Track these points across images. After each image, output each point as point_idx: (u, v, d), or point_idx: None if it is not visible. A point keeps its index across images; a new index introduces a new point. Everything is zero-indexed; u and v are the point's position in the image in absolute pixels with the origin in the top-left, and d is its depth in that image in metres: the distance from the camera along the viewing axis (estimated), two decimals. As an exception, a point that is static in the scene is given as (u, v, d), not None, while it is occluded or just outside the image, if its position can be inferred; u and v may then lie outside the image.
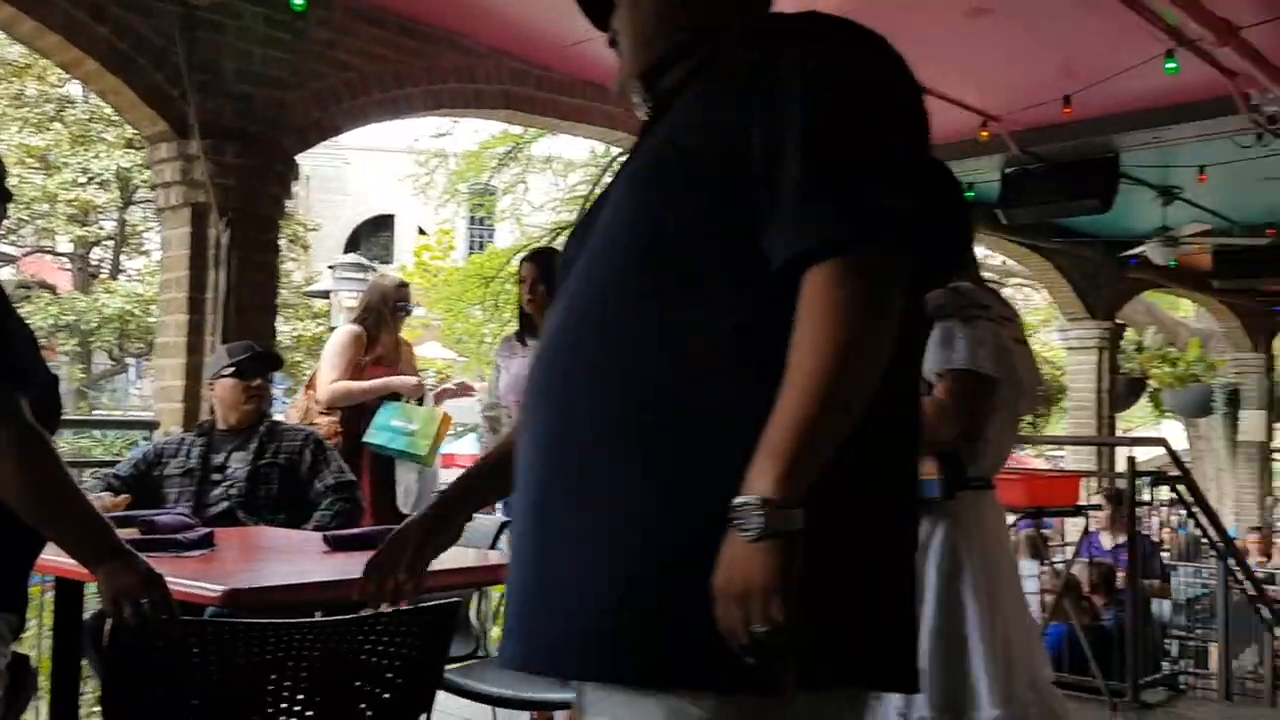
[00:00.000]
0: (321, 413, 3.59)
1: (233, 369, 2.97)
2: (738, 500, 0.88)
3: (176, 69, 3.83)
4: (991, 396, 1.79)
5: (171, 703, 1.50)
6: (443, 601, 1.66)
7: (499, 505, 2.82)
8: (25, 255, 14.65)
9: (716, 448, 0.93)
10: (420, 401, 3.69)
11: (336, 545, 2.21)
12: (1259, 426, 11.60)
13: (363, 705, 1.58)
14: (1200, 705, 5.15)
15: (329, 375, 3.59)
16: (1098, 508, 6.11)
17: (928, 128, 1.02)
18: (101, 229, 14.12)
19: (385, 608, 1.30)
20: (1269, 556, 9.69)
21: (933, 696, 1.76)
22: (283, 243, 7.02)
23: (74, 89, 11.88)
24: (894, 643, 1.02)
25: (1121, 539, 6.05)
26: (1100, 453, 8.02)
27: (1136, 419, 12.74)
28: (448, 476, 3.68)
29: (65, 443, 8.44)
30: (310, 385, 3.74)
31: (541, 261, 3.35)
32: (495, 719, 2.83)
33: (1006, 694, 1.75)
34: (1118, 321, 9.02)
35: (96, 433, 10.32)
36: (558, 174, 12.39)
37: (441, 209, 14.32)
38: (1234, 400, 11.39)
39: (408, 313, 3.87)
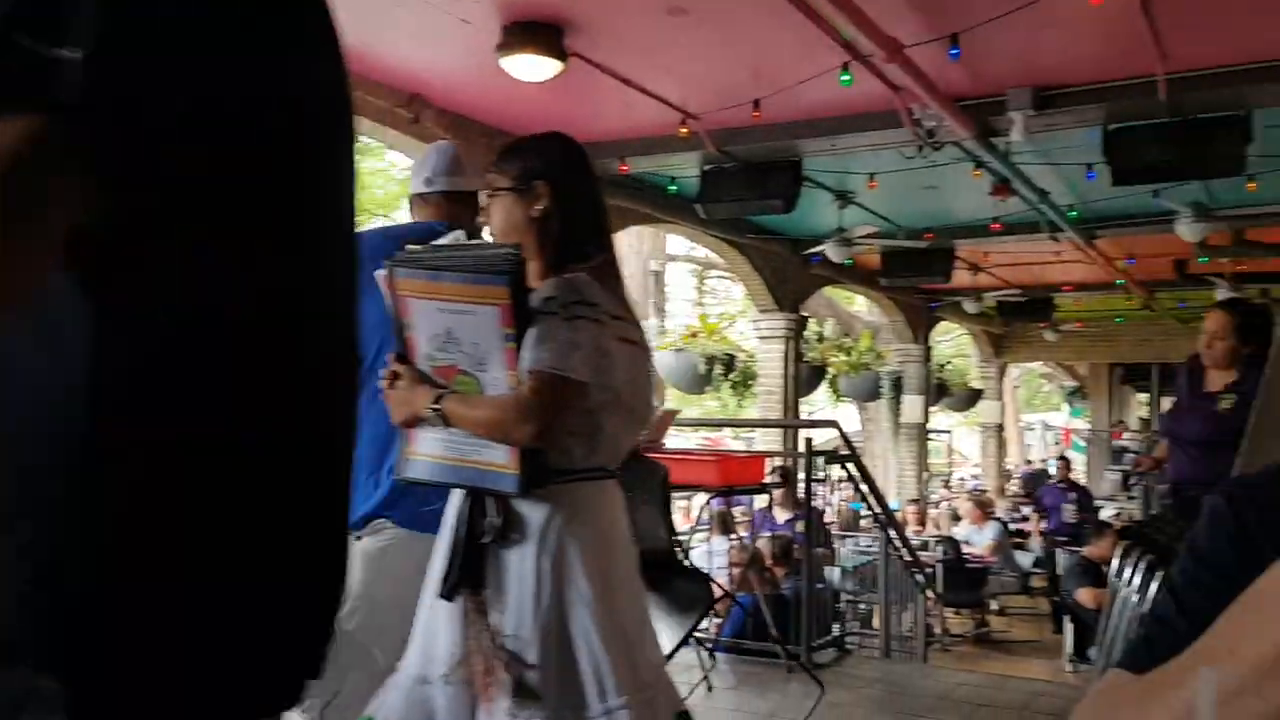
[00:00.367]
0: None
1: None
2: None
3: None
4: (580, 400, 1.77)
5: None
6: None
7: None
8: None
9: None
10: None
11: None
12: (918, 410, 13.00)
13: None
14: (864, 663, 5.68)
15: None
16: (779, 485, 6.55)
17: None
18: None
19: None
20: (924, 525, 10.88)
21: (549, 696, 1.73)
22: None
23: None
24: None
25: (793, 514, 6.55)
26: (786, 434, 8.65)
27: (818, 403, 13.88)
28: None
29: None
30: None
31: None
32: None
33: (632, 683, 1.75)
34: (802, 313, 9.75)
35: None
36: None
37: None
38: (898, 386, 12.68)
39: None
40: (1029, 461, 18.64)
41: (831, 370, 11.18)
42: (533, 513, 1.80)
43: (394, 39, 4.75)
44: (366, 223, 8.39)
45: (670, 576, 3.22)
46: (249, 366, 0.81)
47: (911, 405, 12.89)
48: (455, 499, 1.88)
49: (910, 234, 8.39)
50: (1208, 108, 4.99)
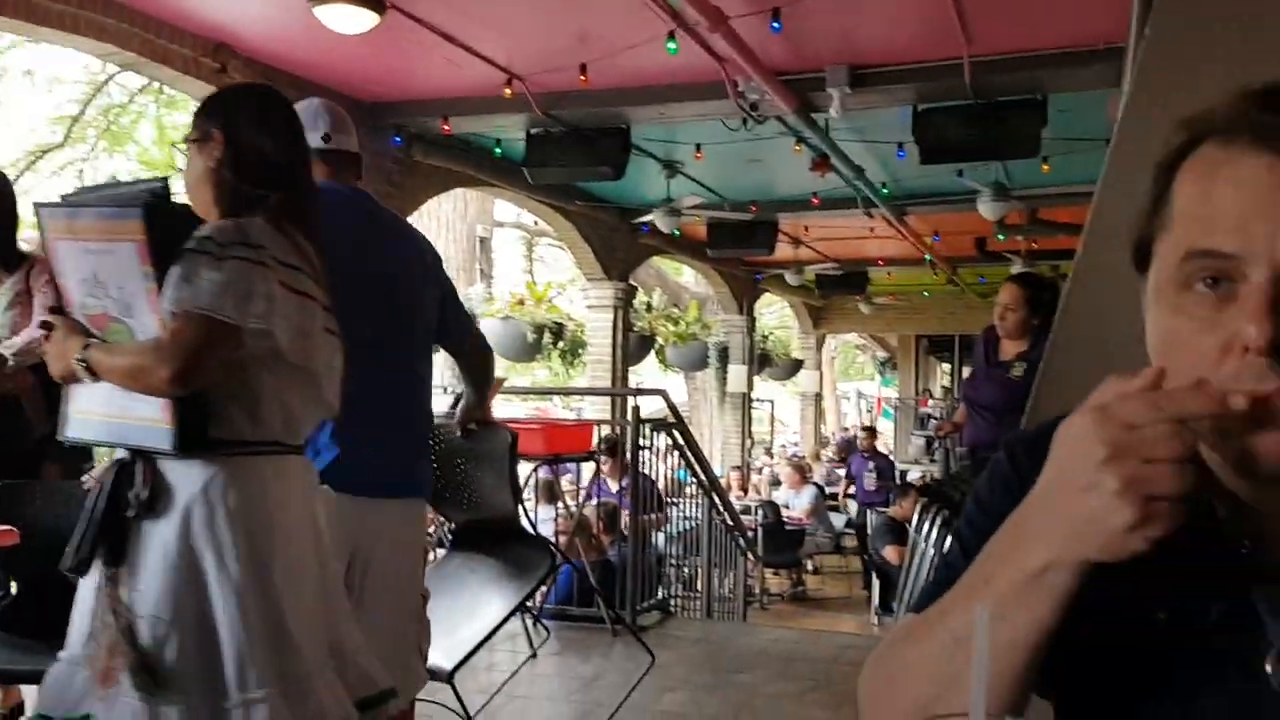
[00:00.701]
0: None
1: None
2: None
3: None
4: (230, 345, 1.65)
5: None
6: None
7: None
8: None
9: None
10: None
11: None
12: (742, 379, 13.37)
13: None
14: (687, 624, 5.82)
15: None
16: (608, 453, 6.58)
17: None
18: None
19: None
20: (746, 491, 11.24)
21: (184, 682, 1.64)
22: None
23: None
24: None
25: (624, 482, 6.61)
26: (614, 402, 8.71)
27: (648, 372, 14.05)
28: None
29: None
30: None
31: None
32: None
33: (279, 673, 1.66)
34: (631, 283, 9.82)
35: None
36: (44, 90, 10.66)
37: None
38: (724, 356, 12.98)
39: None
40: (845, 429, 19.55)
41: (660, 340, 11.33)
42: (184, 485, 1.68)
43: (197, -20, 4.43)
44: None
45: (512, 542, 3.19)
46: None
47: (736, 375, 13.24)
48: (107, 465, 1.76)
49: (736, 206, 8.56)
50: (1007, 91, 5.30)
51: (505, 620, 2.99)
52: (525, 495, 6.08)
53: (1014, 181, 7.27)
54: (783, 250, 10.33)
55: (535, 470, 5.34)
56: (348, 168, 2.39)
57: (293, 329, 1.73)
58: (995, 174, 7.09)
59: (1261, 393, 0.62)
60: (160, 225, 1.64)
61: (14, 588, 2.56)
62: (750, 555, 7.75)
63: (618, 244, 9.27)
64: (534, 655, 4.39)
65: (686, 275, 14.70)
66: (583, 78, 5.11)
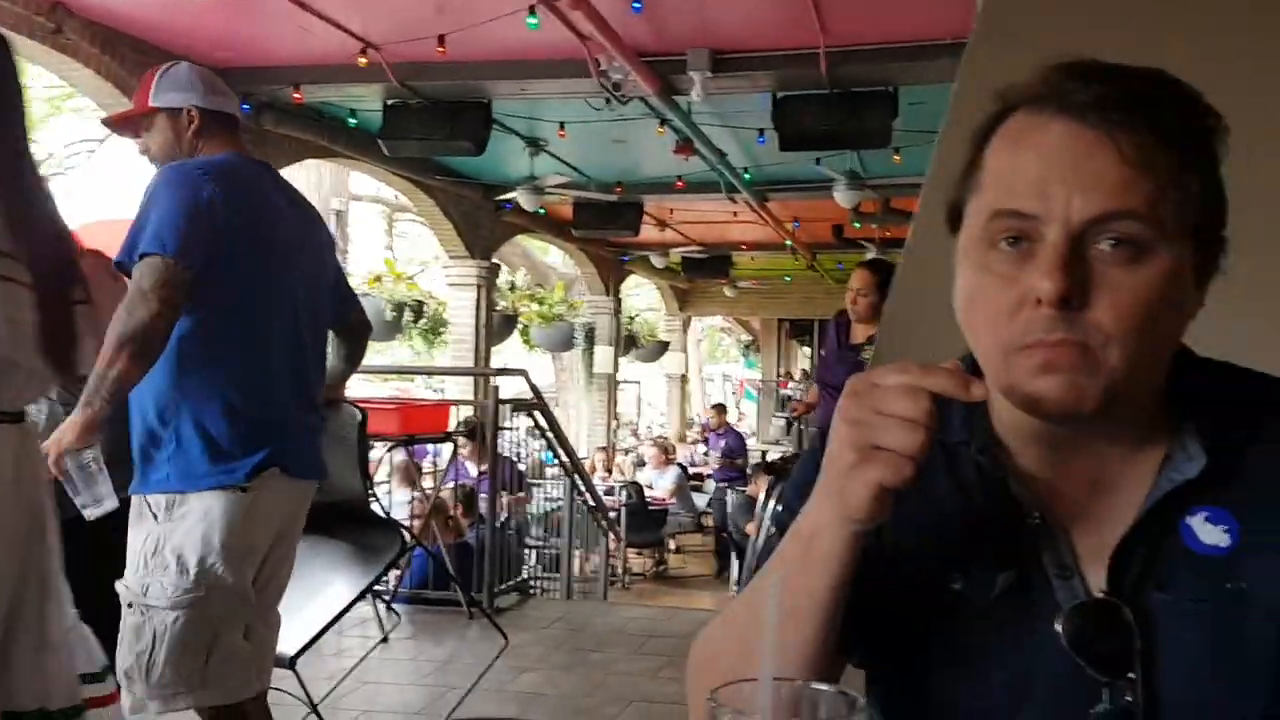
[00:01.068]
0: None
1: None
2: None
3: None
4: None
5: None
6: None
7: None
8: None
9: None
10: None
11: None
12: (609, 360, 13.42)
13: None
14: (546, 605, 5.81)
15: None
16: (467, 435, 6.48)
17: None
18: None
19: None
20: (611, 471, 11.30)
21: None
22: None
23: None
24: None
25: (485, 465, 6.53)
26: (477, 383, 8.59)
27: (515, 352, 13.93)
28: None
29: None
30: None
31: None
32: None
33: None
34: (495, 261, 9.69)
35: None
36: None
37: None
38: (591, 337, 12.98)
39: None
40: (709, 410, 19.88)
41: (523, 320, 11.24)
42: None
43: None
44: None
45: (361, 525, 3.10)
46: None
47: (603, 356, 13.27)
48: None
49: (601, 187, 8.55)
50: (861, 82, 5.44)
51: (352, 604, 2.92)
52: (382, 477, 5.97)
53: (868, 171, 7.49)
54: (648, 232, 10.38)
55: (390, 451, 5.22)
56: (238, 132, 2.32)
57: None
58: (851, 163, 7.29)
59: (1050, 340, 0.67)
60: None
61: None
62: (613, 535, 7.79)
63: (481, 221, 9.13)
64: (385, 640, 4.30)
65: (554, 255, 14.61)
66: (440, 49, 4.98)
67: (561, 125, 6.58)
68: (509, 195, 7.94)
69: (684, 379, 17.24)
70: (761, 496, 3.14)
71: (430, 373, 12.25)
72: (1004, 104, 0.74)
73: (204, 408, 2.08)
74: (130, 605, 2.07)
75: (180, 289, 1.99)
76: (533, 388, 5.80)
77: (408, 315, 8.43)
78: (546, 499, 7.78)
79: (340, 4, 4.81)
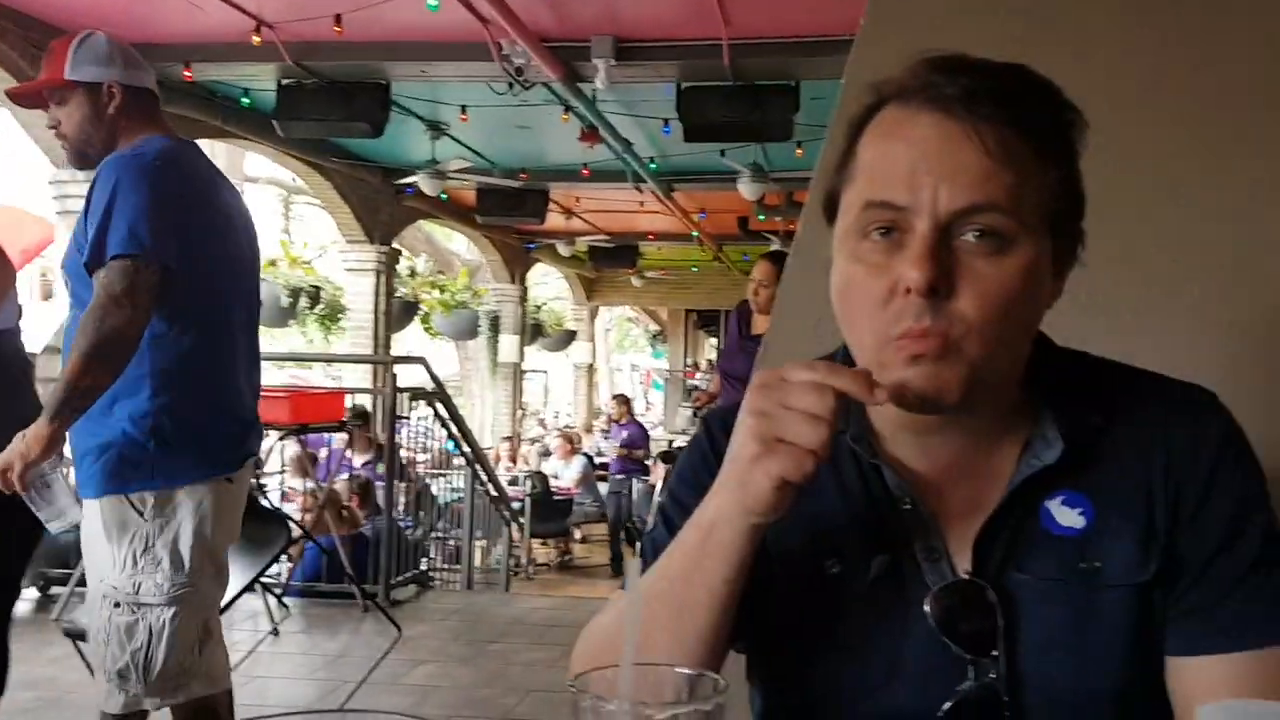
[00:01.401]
0: None
1: None
2: None
3: None
4: None
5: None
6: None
7: None
8: None
9: None
10: None
11: None
12: (514, 349, 13.31)
13: None
14: (445, 596, 5.74)
15: None
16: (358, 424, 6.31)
17: None
18: None
19: None
20: (515, 461, 11.22)
21: None
22: None
23: None
24: None
25: (371, 455, 6.39)
26: (377, 371, 8.40)
27: (416, 340, 13.67)
28: None
29: None
30: None
31: None
32: None
33: None
34: (395, 247, 9.49)
35: None
36: None
37: None
38: (496, 326, 12.86)
39: None
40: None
41: (425, 307, 11.05)
42: None
43: None
44: None
45: (247, 517, 2.99)
46: None
47: (508, 345, 13.16)
48: None
49: (505, 173, 8.45)
50: (763, 75, 5.49)
51: (237, 597, 2.83)
52: (275, 468, 5.80)
53: (772, 164, 7.58)
54: (554, 220, 10.31)
55: (281, 440, 5.07)
56: (159, 111, 2.21)
57: None
58: (754, 156, 7.36)
59: (917, 329, 0.68)
60: None
61: None
62: (516, 525, 7.73)
63: (380, 205, 8.93)
64: (275, 632, 4.18)
65: (458, 241, 14.39)
66: (337, 28, 4.85)
67: (464, 109, 6.48)
68: (410, 179, 7.79)
69: (591, 368, 17.22)
70: (659, 485, 3.15)
71: (326, 360, 11.95)
72: (877, 97, 0.75)
73: (184, 403, 2.03)
74: (118, 605, 2.01)
75: (151, 291, 1.92)
76: (433, 376, 5.71)
77: (304, 301, 8.20)
78: (450, 489, 7.67)
79: (231, -23, 4.64)
